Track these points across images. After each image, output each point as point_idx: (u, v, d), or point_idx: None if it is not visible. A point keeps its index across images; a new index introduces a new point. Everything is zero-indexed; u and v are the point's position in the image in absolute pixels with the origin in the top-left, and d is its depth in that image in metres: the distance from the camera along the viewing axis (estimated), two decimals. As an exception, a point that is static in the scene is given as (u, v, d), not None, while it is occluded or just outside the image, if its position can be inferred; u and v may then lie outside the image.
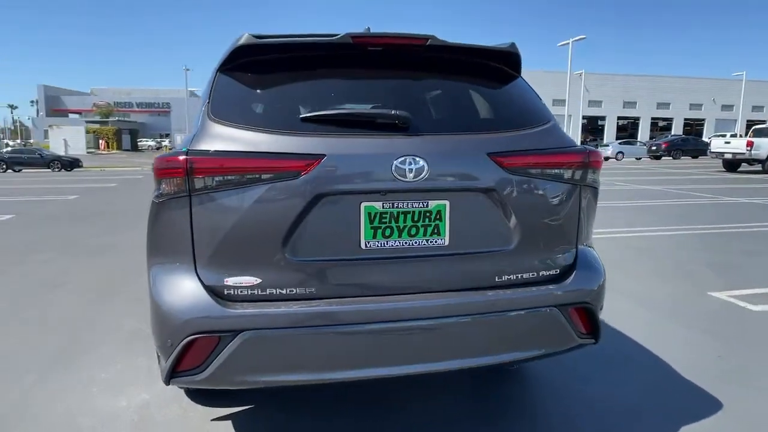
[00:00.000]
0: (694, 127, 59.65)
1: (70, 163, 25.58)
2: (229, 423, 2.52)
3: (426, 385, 2.86)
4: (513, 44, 2.22)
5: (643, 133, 57.60)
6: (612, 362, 3.14)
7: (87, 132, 48.41)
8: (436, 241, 1.97)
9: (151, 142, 59.82)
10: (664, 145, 34.07)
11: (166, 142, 58.67)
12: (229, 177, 1.82)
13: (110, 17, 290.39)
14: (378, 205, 1.90)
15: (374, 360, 1.95)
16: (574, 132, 45.08)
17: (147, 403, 2.68)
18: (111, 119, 57.84)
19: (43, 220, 9.07)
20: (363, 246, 1.91)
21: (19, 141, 67.83)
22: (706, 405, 2.64)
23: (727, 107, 59.73)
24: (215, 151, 1.83)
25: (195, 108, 2.87)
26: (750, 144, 19.20)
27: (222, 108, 1.96)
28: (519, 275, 2.07)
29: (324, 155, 1.84)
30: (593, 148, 2.21)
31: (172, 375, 1.87)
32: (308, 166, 1.83)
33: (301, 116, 1.91)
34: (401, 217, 1.93)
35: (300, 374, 1.92)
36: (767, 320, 3.88)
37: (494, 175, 1.98)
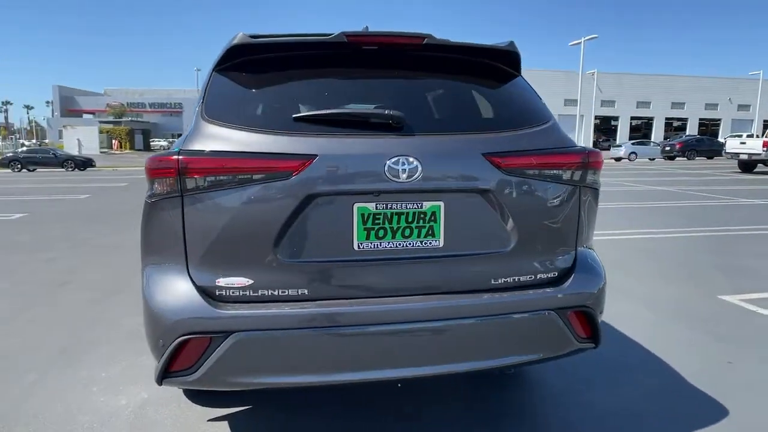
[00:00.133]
0: (709, 127, 58.81)
1: (83, 163, 25.91)
2: (225, 423, 2.51)
3: (426, 386, 2.83)
4: (512, 43, 2.19)
5: (657, 133, 56.88)
6: (616, 367, 3.08)
7: (100, 132, 48.98)
8: (430, 243, 1.94)
9: (163, 142, 60.37)
10: (678, 146, 33.55)
11: (177, 142, 58.98)
12: (221, 177, 1.81)
13: (123, 18, 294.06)
14: (371, 206, 1.88)
15: (367, 363, 1.92)
16: (586, 132, 44.67)
17: (146, 402, 2.69)
18: (124, 119, 58.50)
19: (54, 219, 9.18)
20: (356, 247, 1.89)
21: (34, 141, 68.93)
22: (713, 412, 2.58)
23: (743, 107, 58.78)
24: (207, 151, 1.82)
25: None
26: (766, 144, 18.85)
27: (215, 108, 1.95)
28: (516, 278, 2.03)
29: (316, 155, 1.82)
30: (593, 148, 2.16)
31: (164, 375, 1.87)
32: (300, 167, 1.81)
33: (294, 116, 1.89)
34: (395, 218, 1.90)
35: (292, 377, 1.90)
36: (778, 325, 3.79)
37: (490, 175, 1.95)
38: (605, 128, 57.99)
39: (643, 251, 6.34)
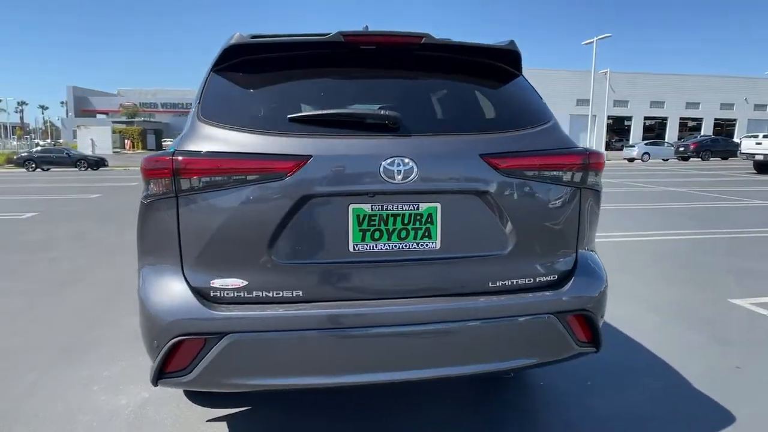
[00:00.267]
0: (724, 128, 57.89)
1: (96, 163, 26.23)
2: (225, 424, 2.51)
3: (426, 388, 2.81)
4: (512, 42, 2.15)
5: (671, 133, 56.10)
6: (621, 370, 3.03)
7: (113, 132, 49.50)
8: (427, 245, 1.91)
9: (175, 142, 60.79)
10: (692, 146, 33.10)
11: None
12: (216, 178, 1.80)
13: (137, 18, 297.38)
14: (366, 207, 1.86)
15: (362, 366, 1.90)
16: (599, 132, 44.20)
17: (146, 402, 2.70)
18: (136, 119, 59.12)
19: (63, 219, 9.29)
20: (351, 249, 1.87)
21: (49, 141, 69.97)
22: (719, 419, 2.52)
23: (760, 107, 57.79)
24: (202, 151, 1.82)
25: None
26: (782, 145, 18.52)
27: (211, 109, 1.94)
28: (514, 281, 2.00)
29: (310, 156, 1.80)
30: (594, 149, 2.11)
31: (159, 376, 1.86)
32: (294, 167, 1.79)
33: (289, 117, 1.88)
34: (391, 219, 1.88)
35: (286, 378, 1.88)
36: (790, 330, 3.71)
37: (487, 177, 1.92)
38: (618, 128, 57.34)
39: (652, 253, 6.25)
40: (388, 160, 1.82)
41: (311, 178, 1.81)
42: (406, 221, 1.89)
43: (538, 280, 2.03)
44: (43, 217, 9.48)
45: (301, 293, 1.86)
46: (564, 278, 2.06)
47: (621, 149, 36.66)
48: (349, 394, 2.75)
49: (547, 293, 2.01)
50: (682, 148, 33.37)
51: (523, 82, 2.22)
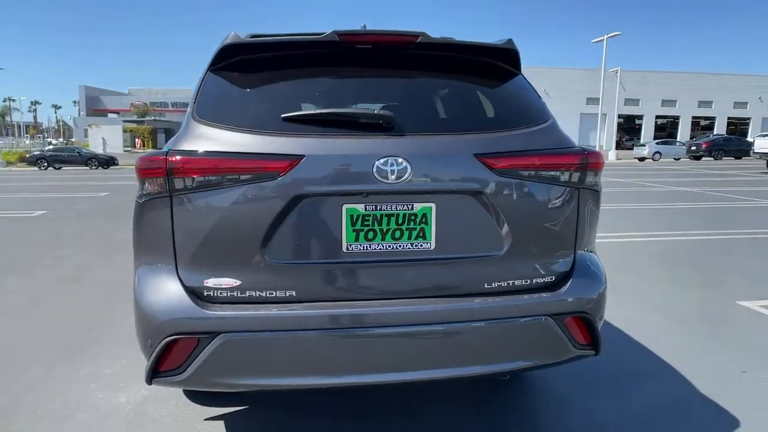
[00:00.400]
0: (738, 127, 57.13)
1: (107, 161, 26.49)
2: (223, 423, 2.51)
3: (426, 389, 2.79)
4: (510, 40, 2.12)
5: (684, 132, 55.47)
6: (624, 374, 2.98)
7: (124, 131, 50.01)
8: (421, 245, 1.90)
9: (185, 141, 61.17)
10: (704, 145, 32.65)
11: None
12: (209, 177, 1.79)
13: (148, 18, 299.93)
14: (360, 207, 1.84)
15: (356, 367, 1.89)
16: (609, 131, 43.80)
17: (146, 400, 2.70)
18: (147, 118, 59.60)
19: (72, 217, 9.40)
20: (345, 249, 1.85)
21: (62, 140, 70.84)
22: (724, 424, 2.48)
23: (774, 105, 57.00)
24: (195, 151, 1.81)
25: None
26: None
27: (207, 108, 1.94)
28: (510, 282, 1.97)
29: (303, 156, 1.79)
30: (592, 149, 2.07)
31: (153, 375, 1.86)
32: (287, 167, 1.78)
33: (283, 116, 1.87)
34: (384, 219, 1.86)
35: (280, 379, 1.88)
36: (799, 333, 3.63)
37: (482, 177, 1.89)
38: (629, 127, 56.79)
39: (659, 254, 6.17)
40: (382, 160, 1.81)
41: (304, 177, 1.80)
42: (400, 221, 1.87)
43: (534, 281, 2.00)
44: (53, 215, 9.60)
45: (294, 293, 1.85)
46: (562, 280, 2.03)
47: (632, 148, 36.25)
48: (349, 393, 2.74)
49: (544, 295, 1.98)
50: (694, 148, 32.94)
51: (521, 81, 2.19)
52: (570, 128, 47.21)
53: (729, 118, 57.42)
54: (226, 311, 1.81)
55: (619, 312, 3.91)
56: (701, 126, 57.61)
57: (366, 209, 1.85)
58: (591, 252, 2.17)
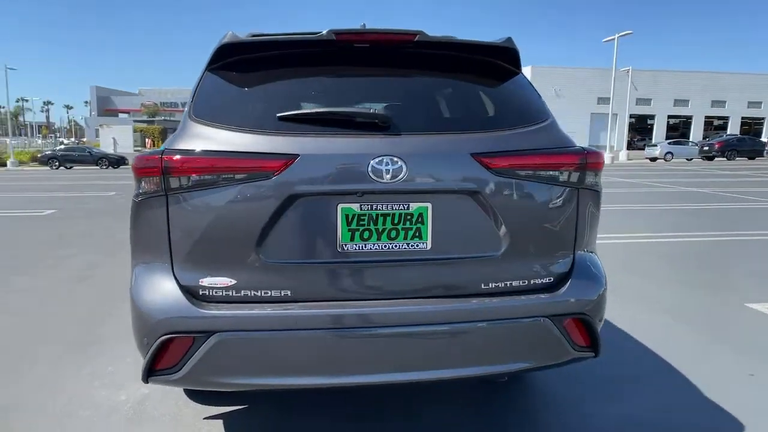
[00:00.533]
0: (752, 126, 56.29)
1: (117, 161, 26.79)
2: (222, 422, 2.52)
3: (426, 389, 2.77)
4: (509, 39, 2.10)
5: (696, 132, 54.76)
6: (629, 376, 2.94)
7: (134, 131, 50.57)
8: (417, 245, 1.88)
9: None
10: (717, 146, 32.16)
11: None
12: (204, 177, 1.79)
13: (157, 17, 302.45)
14: (355, 207, 1.83)
15: (351, 367, 1.88)
16: (620, 131, 43.39)
17: (146, 398, 2.72)
18: (157, 118, 60.22)
19: (80, 216, 9.50)
20: (340, 249, 1.84)
21: (73, 139, 71.70)
22: (729, 429, 2.43)
23: (789, 105, 56.09)
24: (191, 150, 1.82)
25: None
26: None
27: (203, 108, 1.94)
28: (508, 282, 1.95)
29: (297, 155, 1.79)
30: (592, 148, 2.04)
31: (149, 373, 1.87)
32: (281, 167, 1.78)
33: (278, 115, 1.86)
34: (380, 219, 1.85)
35: (275, 378, 1.87)
36: (809, 336, 3.57)
37: (479, 176, 1.87)
38: (641, 127, 56.19)
39: (668, 256, 6.09)
40: (377, 159, 1.80)
41: (298, 177, 1.79)
42: (395, 221, 1.86)
43: (533, 282, 1.98)
44: (62, 214, 9.71)
45: (289, 293, 1.85)
46: (560, 281, 2.01)
47: (643, 149, 35.88)
48: (349, 393, 2.73)
49: (543, 296, 1.96)
50: (706, 148, 32.47)
51: (520, 79, 2.17)
52: (580, 128, 46.94)
53: (743, 117, 56.58)
54: (221, 310, 1.81)
55: (626, 312, 3.88)
56: (714, 126, 56.83)
57: (361, 209, 1.84)
58: (591, 253, 2.14)
